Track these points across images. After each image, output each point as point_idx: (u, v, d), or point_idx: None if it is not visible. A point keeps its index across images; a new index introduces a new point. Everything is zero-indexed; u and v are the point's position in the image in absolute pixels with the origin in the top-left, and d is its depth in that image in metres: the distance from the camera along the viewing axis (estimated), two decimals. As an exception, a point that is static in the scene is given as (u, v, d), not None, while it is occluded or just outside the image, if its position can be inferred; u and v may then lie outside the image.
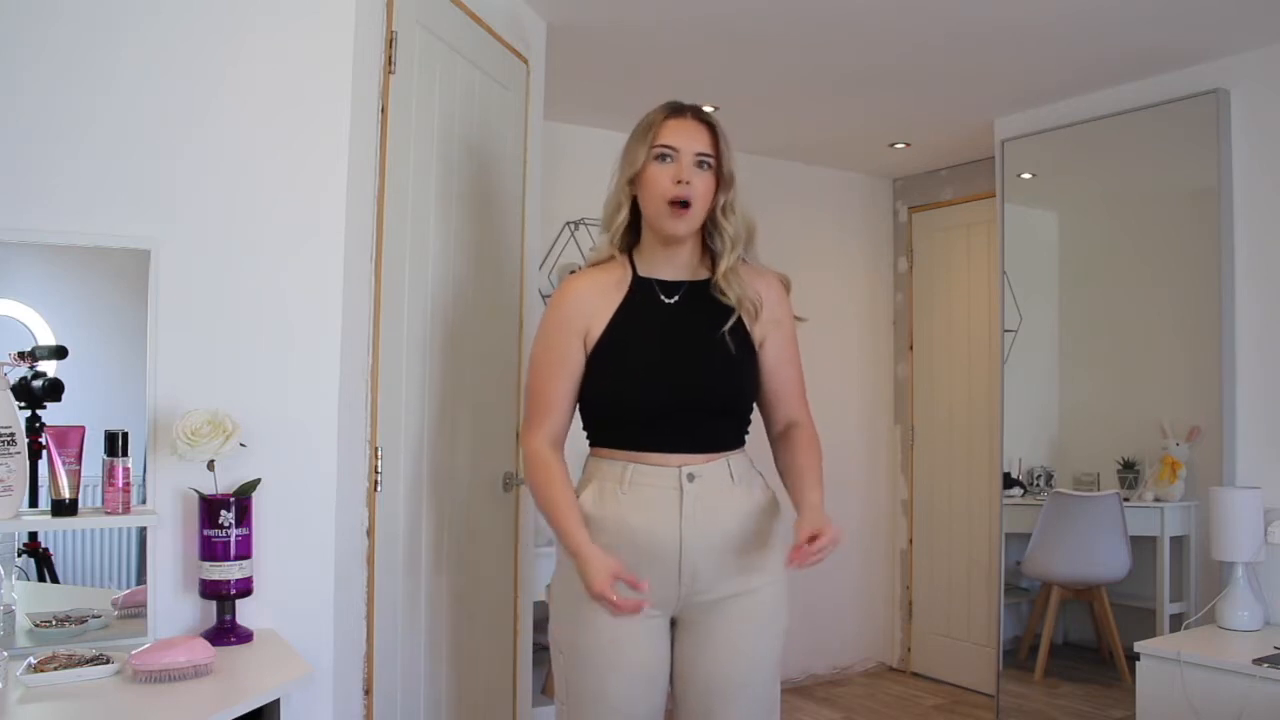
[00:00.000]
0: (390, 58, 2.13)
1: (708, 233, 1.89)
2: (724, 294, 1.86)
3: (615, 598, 1.68)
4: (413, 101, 2.21)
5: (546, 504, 1.83)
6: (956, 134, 4.06)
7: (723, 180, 1.85)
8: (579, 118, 3.78)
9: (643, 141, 1.85)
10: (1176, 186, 3.39)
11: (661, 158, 1.83)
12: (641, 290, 1.88)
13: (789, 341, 1.94)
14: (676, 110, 1.87)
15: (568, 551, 1.80)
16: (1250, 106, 3.07)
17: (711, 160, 1.84)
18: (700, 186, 1.82)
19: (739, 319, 1.86)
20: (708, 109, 1.92)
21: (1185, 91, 3.18)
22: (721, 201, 1.85)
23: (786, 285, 1.97)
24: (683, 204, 1.80)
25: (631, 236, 1.92)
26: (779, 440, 1.96)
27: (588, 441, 1.91)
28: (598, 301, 1.87)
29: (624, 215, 1.89)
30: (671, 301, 1.88)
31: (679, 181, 1.80)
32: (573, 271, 2.02)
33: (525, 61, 2.76)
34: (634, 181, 1.85)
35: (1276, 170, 3.02)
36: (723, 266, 1.86)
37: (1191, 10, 2.79)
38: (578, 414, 1.92)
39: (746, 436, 1.92)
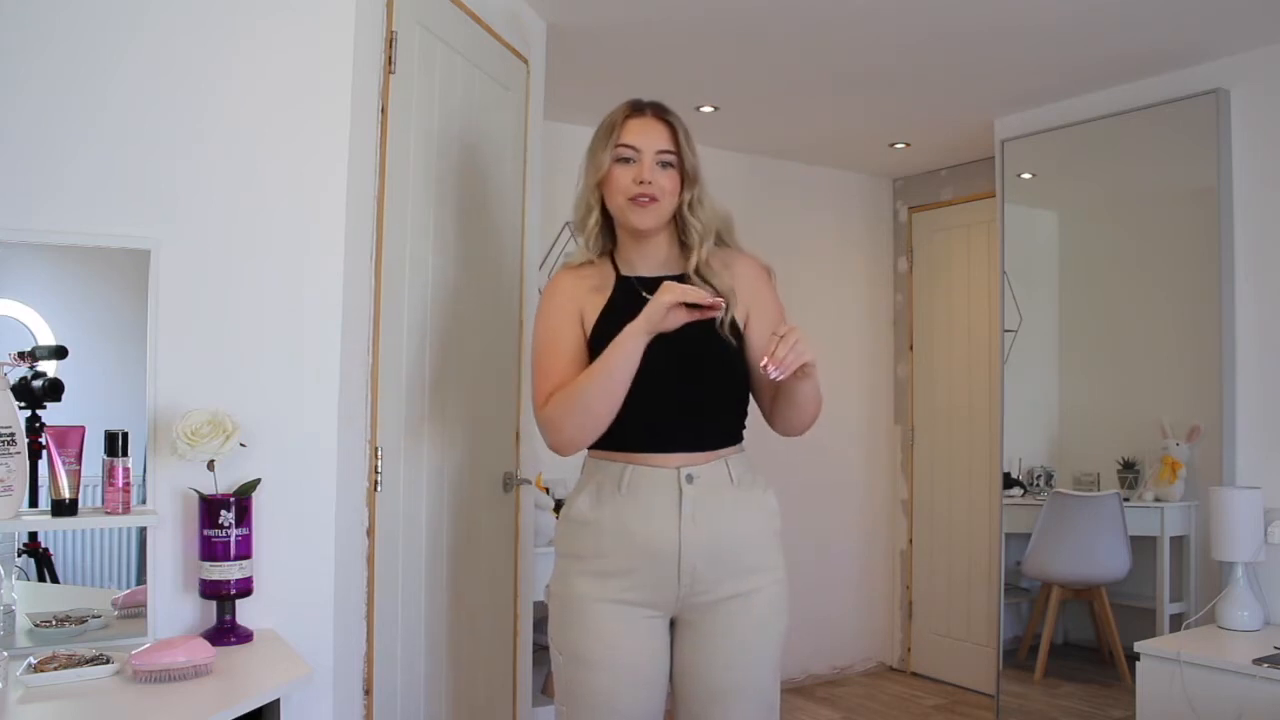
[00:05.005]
0: (390, 58, 2.13)
1: (680, 229, 1.90)
2: (703, 286, 1.85)
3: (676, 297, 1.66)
4: (413, 101, 2.21)
5: (588, 379, 1.75)
6: (956, 134, 4.06)
7: (686, 177, 1.86)
8: (579, 118, 3.75)
9: (605, 143, 1.86)
10: (1176, 186, 3.39)
11: (624, 159, 1.84)
12: (624, 290, 1.88)
13: (775, 318, 1.89)
14: (637, 109, 1.88)
15: (634, 335, 1.72)
16: (1250, 106, 3.07)
17: (674, 158, 1.85)
18: (664, 183, 1.83)
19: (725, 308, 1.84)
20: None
21: (1185, 91, 3.18)
22: (687, 198, 1.87)
23: (769, 272, 1.96)
24: (646, 198, 1.81)
25: (608, 239, 1.93)
26: (774, 400, 1.88)
27: (586, 442, 1.90)
28: (586, 297, 1.88)
29: (596, 217, 1.90)
30: None
31: (640, 181, 1.82)
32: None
33: (525, 61, 2.76)
34: (601, 184, 1.87)
35: (1276, 170, 3.02)
36: (693, 261, 1.86)
37: (1191, 10, 2.79)
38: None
39: (744, 433, 1.91)
